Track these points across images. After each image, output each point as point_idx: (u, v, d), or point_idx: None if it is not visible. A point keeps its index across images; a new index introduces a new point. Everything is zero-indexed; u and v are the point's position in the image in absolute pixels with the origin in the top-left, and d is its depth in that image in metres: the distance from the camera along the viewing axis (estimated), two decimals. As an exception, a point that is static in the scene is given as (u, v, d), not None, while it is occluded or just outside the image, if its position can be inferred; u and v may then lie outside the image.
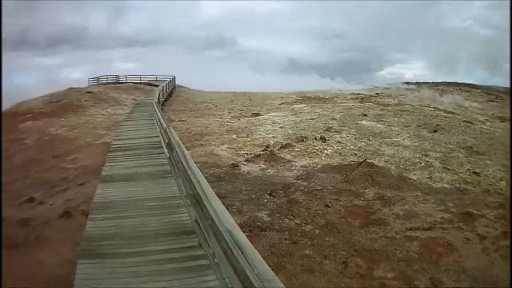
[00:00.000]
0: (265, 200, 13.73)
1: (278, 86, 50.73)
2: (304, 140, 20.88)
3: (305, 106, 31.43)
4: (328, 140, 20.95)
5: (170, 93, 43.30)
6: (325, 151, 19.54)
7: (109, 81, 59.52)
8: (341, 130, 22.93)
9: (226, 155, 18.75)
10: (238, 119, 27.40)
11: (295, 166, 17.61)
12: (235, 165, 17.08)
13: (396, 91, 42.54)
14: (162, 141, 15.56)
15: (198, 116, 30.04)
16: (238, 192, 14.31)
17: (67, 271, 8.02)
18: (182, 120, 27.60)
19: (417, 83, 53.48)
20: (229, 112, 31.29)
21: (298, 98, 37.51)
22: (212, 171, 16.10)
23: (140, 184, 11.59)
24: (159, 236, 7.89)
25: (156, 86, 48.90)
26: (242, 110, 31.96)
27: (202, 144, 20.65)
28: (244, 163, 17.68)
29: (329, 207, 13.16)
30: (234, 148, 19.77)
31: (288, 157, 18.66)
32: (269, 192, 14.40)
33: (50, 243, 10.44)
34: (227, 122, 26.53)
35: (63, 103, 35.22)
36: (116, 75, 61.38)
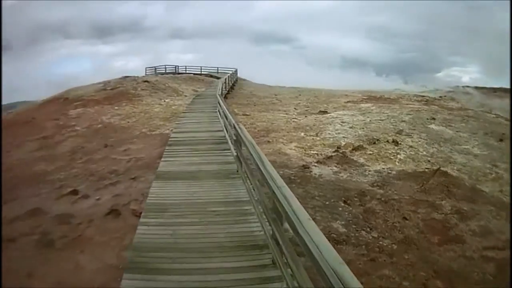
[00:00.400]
0: (340, 209, 12.61)
1: (339, 83, 51.97)
2: (376, 142, 19.68)
3: (372, 106, 30.21)
4: (400, 143, 19.80)
5: (232, 86, 42.45)
6: (398, 156, 18.37)
7: (167, 71, 59.44)
8: (412, 133, 21.74)
9: (295, 154, 17.54)
10: (305, 116, 26.21)
11: (369, 171, 16.36)
12: (305, 167, 15.82)
13: (457, 95, 40.95)
14: (227, 136, 14.54)
15: (262, 110, 29.03)
16: (310, 197, 13.09)
17: (107, 280, 7.25)
18: (246, 114, 26.45)
19: (476, 87, 51.32)
20: (295, 108, 30.17)
21: (364, 97, 36.39)
22: (282, 172, 14.73)
23: (202, 184, 10.31)
24: (224, 250, 6.73)
25: (217, 78, 49.19)
26: (308, 107, 30.84)
27: (268, 141, 19.47)
28: (315, 164, 16.39)
29: (407, 219, 12.49)
30: (303, 147, 18.57)
31: (361, 160, 17.41)
32: (343, 199, 13.27)
33: (91, 246, 9.35)
34: (293, 118, 25.34)
35: (118, 91, 34.98)
36: (175, 65, 61.59)
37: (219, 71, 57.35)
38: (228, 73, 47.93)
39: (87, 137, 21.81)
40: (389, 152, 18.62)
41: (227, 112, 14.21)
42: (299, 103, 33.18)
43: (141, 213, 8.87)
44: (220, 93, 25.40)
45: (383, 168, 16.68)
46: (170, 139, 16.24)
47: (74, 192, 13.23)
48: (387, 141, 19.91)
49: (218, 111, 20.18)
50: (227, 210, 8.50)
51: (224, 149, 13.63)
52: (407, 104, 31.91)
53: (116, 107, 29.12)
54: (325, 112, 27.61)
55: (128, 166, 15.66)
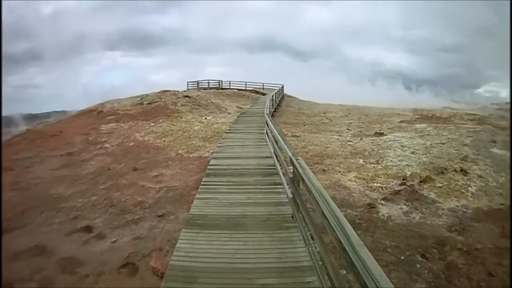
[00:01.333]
0: (418, 265, 10.21)
1: (384, 99, 52.19)
2: (444, 172, 16.99)
3: (428, 127, 27.51)
4: (468, 173, 17.10)
5: (279, 103, 40.20)
6: (469, 189, 15.62)
7: (211, 85, 58.37)
8: (477, 159, 19.02)
9: (356, 188, 15.02)
10: (361, 139, 23.58)
11: (442, 210, 13.75)
12: (371, 206, 13.39)
13: (506, 113, 37.30)
14: (277, 165, 12.19)
15: (313, 131, 26.53)
16: (382, 249, 10.67)
17: None
18: (296, 136, 24.04)
19: None
20: (348, 129, 27.48)
21: (417, 117, 33.37)
22: (344, 213, 12.26)
23: (246, 237, 7.76)
24: None
25: (263, 94, 47.83)
26: (362, 128, 28.10)
27: (324, 170, 17.01)
28: (382, 202, 13.91)
29: (492, 276, 10.24)
30: (364, 179, 16.06)
31: (432, 195, 14.79)
32: (420, 251, 10.84)
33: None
34: (348, 141, 22.77)
35: (155, 106, 33.40)
36: (219, 80, 60.31)
37: (264, 87, 56.03)
38: (275, 89, 46.28)
39: (116, 156, 20.14)
40: (459, 184, 16.01)
41: (279, 137, 11.42)
42: (351, 122, 30.67)
43: (163, 273, 6.94)
44: (268, 111, 22.98)
45: (457, 206, 14.17)
46: (209, 166, 13.78)
47: (88, 228, 11.47)
48: (455, 170, 17.37)
49: (266, 132, 18.12)
50: (283, 284, 6.05)
51: (274, 184, 11.20)
52: (461, 124, 29.11)
53: (152, 124, 27.40)
54: (381, 134, 25.02)
55: (157, 197, 13.52)
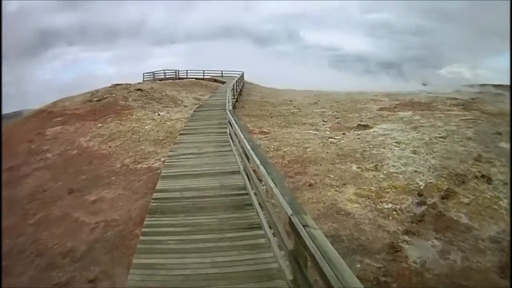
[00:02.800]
0: None
1: (350, 84, 49.29)
2: (465, 180, 13.49)
3: (414, 115, 24.37)
4: (492, 179, 13.59)
5: (240, 92, 36.84)
6: (501, 203, 12.24)
7: (167, 76, 55.34)
8: (491, 159, 15.58)
9: (363, 214, 11.48)
10: (343, 134, 20.22)
11: (483, 241, 10.40)
12: (394, 247, 9.85)
13: (489, 97, 35.00)
14: (249, 188, 9.17)
15: (283, 125, 23.39)
16: None
17: None
18: (265, 132, 20.83)
19: (500, 85, 44.66)
20: (324, 121, 24.22)
21: (395, 103, 30.32)
22: (359, 265, 9.02)
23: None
24: None
25: (222, 82, 44.70)
26: (338, 118, 24.99)
27: (310, 184, 13.40)
28: (405, 237, 10.39)
29: None
30: (368, 197, 12.41)
31: (463, 218, 11.34)
32: None
33: None
34: (330, 138, 19.38)
35: (105, 103, 29.88)
36: (175, 70, 56.97)
37: (223, 75, 52.55)
38: (234, 76, 43.07)
39: (55, 170, 17.19)
40: (488, 197, 12.60)
41: (251, 152, 7.95)
42: (324, 111, 27.63)
43: None
44: (230, 107, 19.17)
45: (498, 232, 10.76)
46: (155, 194, 10.05)
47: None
48: (475, 176, 13.86)
49: (229, 134, 14.93)
50: None
51: (251, 227, 7.76)
52: (448, 111, 26.14)
53: (99, 124, 24.02)
54: (365, 126, 21.74)
55: (92, 240, 10.33)
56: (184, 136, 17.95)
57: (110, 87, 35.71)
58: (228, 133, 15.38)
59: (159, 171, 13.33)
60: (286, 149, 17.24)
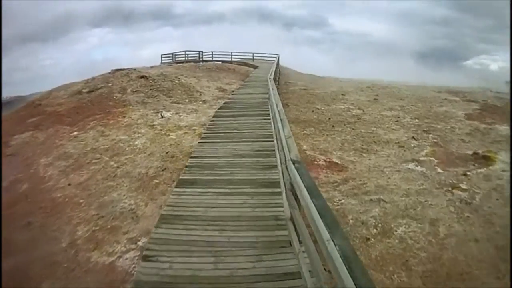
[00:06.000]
0: None
1: (389, 73, 42.92)
2: None
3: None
4: None
5: (278, 80, 26.78)
6: None
7: (189, 58, 45.34)
8: None
9: None
10: (464, 175, 12.07)
11: None
12: None
13: None
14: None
15: (359, 146, 14.55)
16: None
17: None
18: (336, 166, 12.11)
19: None
20: (415, 139, 15.66)
21: (473, 106, 22.17)
22: None
23: None
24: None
25: (254, 67, 36.20)
26: (426, 131, 16.80)
27: None
28: None
29: None
30: None
31: None
32: None
33: None
34: (451, 185, 11.24)
35: (96, 96, 21.29)
36: (198, 51, 46.65)
37: (254, 57, 43.44)
38: (268, 60, 38.64)
39: None
40: None
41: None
42: (398, 116, 19.42)
43: None
44: (280, 115, 8.20)
45: None
46: None
47: None
48: None
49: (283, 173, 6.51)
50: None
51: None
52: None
53: (75, 132, 15.99)
54: (485, 158, 13.51)
55: None
56: (191, 174, 8.99)
57: (109, 73, 26.67)
58: (280, 168, 7.80)
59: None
60: (400, 230, 8.67)
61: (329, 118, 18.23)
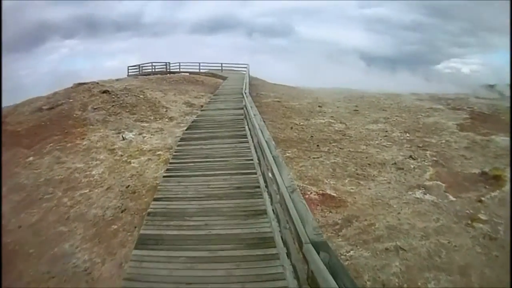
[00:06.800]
0: None
1: (359, 81, 40.50)
2: None
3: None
4: None
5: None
6: None
7: (156, 70, 43.32)
8: None
9: None
10: (480, 201, 10.83)
11: None
12: None
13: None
14: None
15: (353, 171, 12.68)
16: None
17: None
18: (332, 200, 10.15)
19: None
20: (412, 158, 14.01)
21: (463, 115, 21.21)
22: None
23: None
24: None
25: (223, 78, 34.19)
26: (422, 147, 15.28)
27: None
28: None
29: None
30: None
31: None
32: None
33: None
34: (470, 217, 9.84)
35: (55, 114, 18.99)
36: (165, 62, 44.84)
37: (223, 68, 41.57)
38: (238, 70, 37.49)
39: None
40: None
41: None
42: (386, 130, 17.79)
43: None
44: (272, 151, 6.52)
45: None
46: None
47: None
48: None
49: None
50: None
51: None
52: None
53: (31, 158, 14.06)
54: (496, 178, 12.28)
55: None
56: (155, 227, 6.77)
57: (71, 87, 23.86)
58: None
59: None
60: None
61: (312, 136, 16.32)
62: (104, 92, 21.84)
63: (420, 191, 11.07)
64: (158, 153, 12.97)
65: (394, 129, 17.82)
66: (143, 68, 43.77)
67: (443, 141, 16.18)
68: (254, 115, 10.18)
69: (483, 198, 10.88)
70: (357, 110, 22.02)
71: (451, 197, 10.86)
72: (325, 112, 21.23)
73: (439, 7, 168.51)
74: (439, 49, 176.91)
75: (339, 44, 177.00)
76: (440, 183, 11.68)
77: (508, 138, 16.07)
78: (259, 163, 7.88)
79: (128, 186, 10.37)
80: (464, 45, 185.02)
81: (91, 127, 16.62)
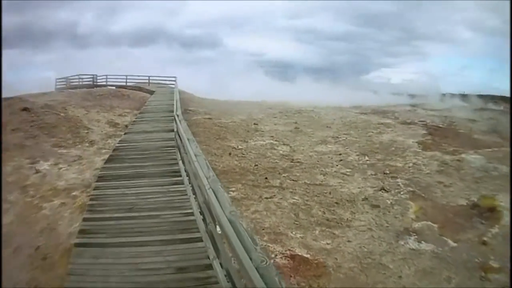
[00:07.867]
0: None
1: (287, 93, 41.29)
2: None
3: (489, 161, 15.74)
4: None
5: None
6: None
7: (83, 82, 41.64)
8: None
9: None
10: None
11: None
12: None
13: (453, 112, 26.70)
14: None
15: (308, 204, 11.23)
16: None
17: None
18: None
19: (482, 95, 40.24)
20: (386, 190, 12.61)
21: (416, 130, 20.90)
22: None
23: None
24: None
25: (150, 92, 32.82)
26: (393, 175, 13.97)
27: None
28: None
29: None
30: None
31: None
32: None
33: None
34: None
35: None
36: (93, 75, 42.68)
37: (151, 81, 39.95)
38: (166, 85, 36.85)
39: None
40: None
41: None
42: (340, 153, 16.52)
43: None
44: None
45: None
46: None
47: None
48: None
49: None
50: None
51: None
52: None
53: None
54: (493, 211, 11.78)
55: None
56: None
57: None
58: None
59: None
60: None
61: (256, 165, 14.21)
62: (24, 109, 19.03)
63: (412, 238, 9.69)
64: (74, 193, 10.15)
65: (348, 151, 16.40)
66: (70, 81, 41.68)
67: (410, 164, 15.25)
68: (196, 155, 6.53)
69: (485, 239, 9.98)
70: (298, 128, 20.48)
71: (451, 242, 9.79)
72: (263, 131, 19.62)
73: (372, 17, 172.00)
74: (369, 59, 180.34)
75: (265, 55, 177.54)
76: (431, 224, 10.49)
77: (480, 157, 15.27)
78: (204, 220, 5.44)
79: (38, 247, 7.43)
80: (397, 55, 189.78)
81: (7, 153, 13.36)
